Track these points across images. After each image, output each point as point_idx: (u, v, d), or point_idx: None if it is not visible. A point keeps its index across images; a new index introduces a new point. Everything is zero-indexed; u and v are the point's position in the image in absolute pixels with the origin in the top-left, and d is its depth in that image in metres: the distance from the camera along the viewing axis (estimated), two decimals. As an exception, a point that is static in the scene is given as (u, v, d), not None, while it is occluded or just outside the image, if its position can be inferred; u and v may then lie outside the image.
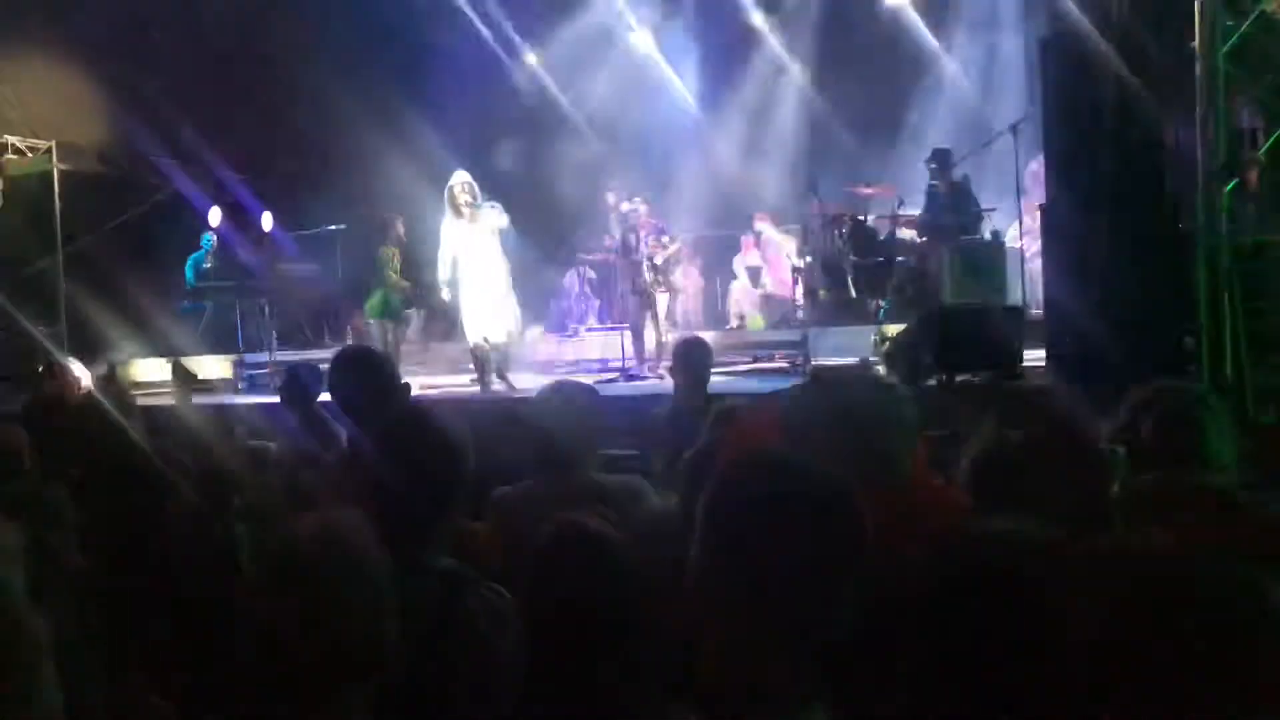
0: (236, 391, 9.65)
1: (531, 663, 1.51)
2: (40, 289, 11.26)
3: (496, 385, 8.29)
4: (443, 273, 8.35)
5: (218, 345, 11.16)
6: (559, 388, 3.08)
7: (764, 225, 12.54)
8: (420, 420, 2.28)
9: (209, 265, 12.19)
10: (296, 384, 5.36)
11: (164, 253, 12.37)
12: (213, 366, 10.67)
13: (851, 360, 7.64)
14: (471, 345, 8.35)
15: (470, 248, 8.24)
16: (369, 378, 3.16)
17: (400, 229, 10.07)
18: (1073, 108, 6.01)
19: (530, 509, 2.59)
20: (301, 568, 1.57)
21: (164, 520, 2.28)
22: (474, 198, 8.25)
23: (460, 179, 8.30)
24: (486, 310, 8.25)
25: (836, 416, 1.87)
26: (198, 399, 8.40)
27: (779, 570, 1.38)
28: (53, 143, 11.55)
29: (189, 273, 12.28)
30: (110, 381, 5.77)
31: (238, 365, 10.32)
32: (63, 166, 11.59)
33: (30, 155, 11.65)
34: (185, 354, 10.83)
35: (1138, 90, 5.73)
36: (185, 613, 2.02)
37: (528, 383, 8.05)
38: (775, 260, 12.53)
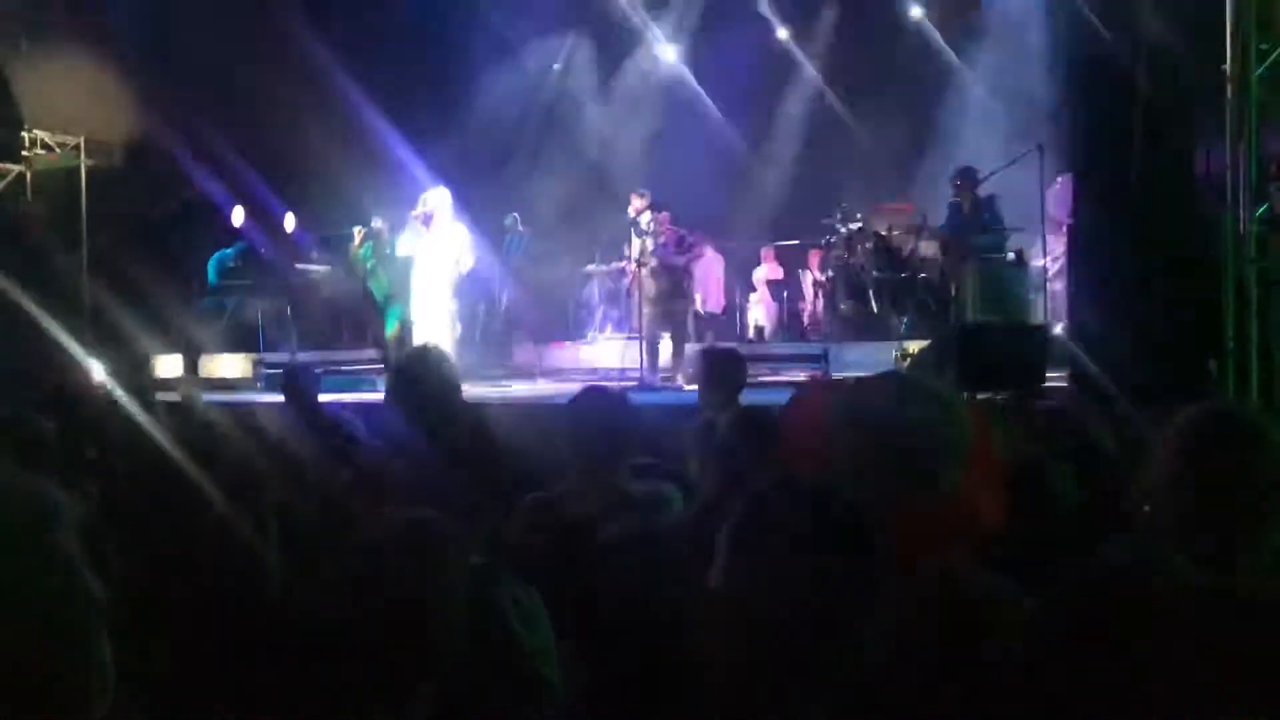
0: (256, 390, 9.68)
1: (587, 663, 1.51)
2: (64, 284, 11.32)
3: None
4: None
5: (239, 344, 11.20)
6: (593, 394, 3.07)
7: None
8: (473, 421, 2.30)
9: (232, 265, 12.25)
10: (293, 382, 5.46)
11: (187, 251, 12.44)
12: (233, 365, 10.72)
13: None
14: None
15: (421, 260, 8.77)
16: (425, 381, 3.15)
17: (375, 225, 9.77)
18: (1101, 128, 6.00)
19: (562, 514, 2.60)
20: (387, 566, 1.58)
21: (197, 520, 2.28)
22: (422, 214, 8.64)
23: (427, 194, 8.67)
24: (424, 323, 8.72)
25: (882, 425, 1.82)
26: (217, 396, 8.49)
27: (802, 599, 1.38)
28: (81, 139, 11.62)
29: (211, 271, 12.34)
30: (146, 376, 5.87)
31: (258, 365, 10.35)
32: (89, 163, 11.66)
33: (58, 151, 11.72)
34: (206, 352, 10.91)
35: (1167, 112, 5.71)
36: (220, 615, 2.02)
37: (547, 389, 8.08)
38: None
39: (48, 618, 1.04)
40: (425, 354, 3.41)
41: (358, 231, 10.21)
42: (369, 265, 9.64)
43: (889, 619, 1.41)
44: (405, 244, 8.85)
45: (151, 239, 11.86)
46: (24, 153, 11.47)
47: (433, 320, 8.66)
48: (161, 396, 5.58)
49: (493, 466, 2.26)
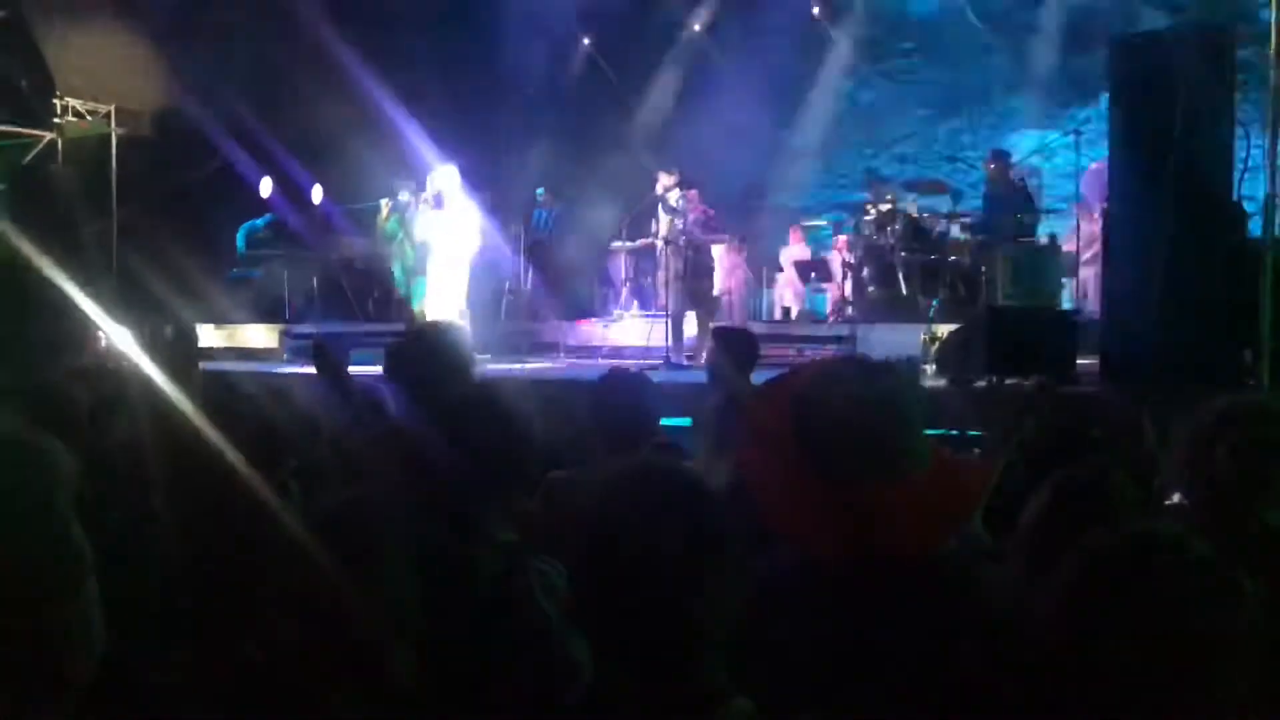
0: (282, 361, 9.72)
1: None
2: (94, 252, 11.40)
3: None
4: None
5: (265, 315, 11.25)
6: (616, 374, 3.05)
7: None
8: (487, 398, 2.28)
9: (261, 235, 12.31)
10: (322, 353, 5.50)
11: (215, 220, 12.49)
12: (260, 335, 10.77)
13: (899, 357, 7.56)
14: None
15: (436, 242, 8.83)
16: (433, 354, 3.14)
17: (401, 198, 10.00)
18: (1141, 111, 5.89)
19: (583, 493, 2.58)
20: (325, 542, 1.57)
21: (222, 485, 2.27)
22: (432, 196, 8.71)
23: (434, 174, 8.68)
24: (432, 294, 8.87)
25: (852, 403, 1.79)
26: (245, 366, 8.53)
27: (635, 572, 1.41)
28: (112, 107, 11.67)
29: (240, 241, 12.40)
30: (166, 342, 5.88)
31: (284, 335, 10.39)
32: (120, 130, 11.72)
33: (89, 119, 11.79)
34: (234, 322, 10.97)
35: (1208, 96, 5.60)
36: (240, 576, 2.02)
37: (571, 366, 8.06)
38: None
39: (34, 574, 1.01)
40: (429, 330, 3.38)
41: (384, 204, 10.24)
42: (398, 238, 9.66)
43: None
44: (420, 228, 8.83)
45: (180, 208, 11.91)
46: (55, 120, 11.54)
47: (448, 300, 8.63)
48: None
49: (509, 445, 2.23)
